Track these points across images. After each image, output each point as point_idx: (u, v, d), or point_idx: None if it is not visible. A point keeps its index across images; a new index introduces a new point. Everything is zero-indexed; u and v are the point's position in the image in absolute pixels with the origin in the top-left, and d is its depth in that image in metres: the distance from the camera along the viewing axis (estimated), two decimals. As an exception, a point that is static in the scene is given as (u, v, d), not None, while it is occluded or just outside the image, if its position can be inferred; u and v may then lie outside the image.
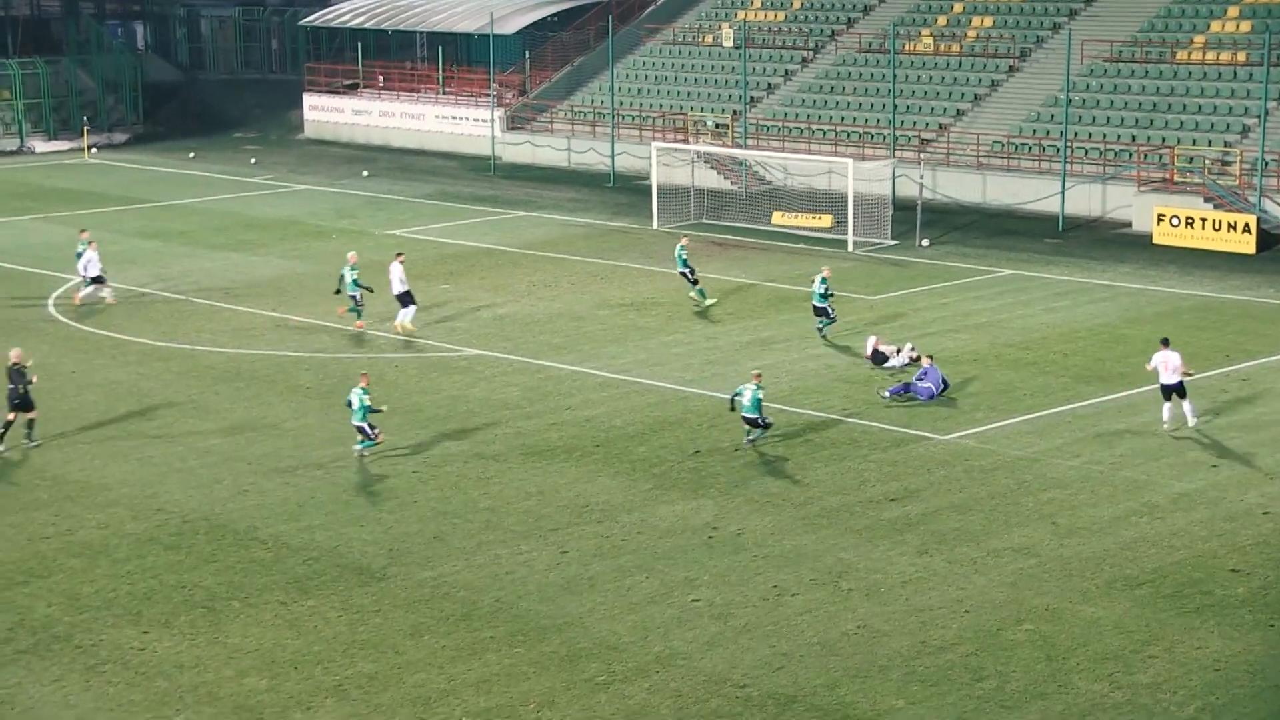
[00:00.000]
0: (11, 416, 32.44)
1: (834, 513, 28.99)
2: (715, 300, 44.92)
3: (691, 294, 44.99)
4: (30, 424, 32.96)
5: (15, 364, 32.57)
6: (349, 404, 32.15)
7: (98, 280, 45.48)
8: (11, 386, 32.36)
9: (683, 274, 45.40)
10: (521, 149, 74.50)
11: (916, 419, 34.26)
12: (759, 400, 32.25)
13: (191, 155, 78.58)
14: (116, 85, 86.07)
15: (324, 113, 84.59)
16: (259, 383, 38.13)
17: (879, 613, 24.65)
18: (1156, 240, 53.68)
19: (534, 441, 33.36)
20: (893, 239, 54.39)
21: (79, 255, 46.07)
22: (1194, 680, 22.30)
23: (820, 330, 40.95)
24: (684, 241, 46.25)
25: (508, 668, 23.02)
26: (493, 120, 74.38)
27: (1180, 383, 32.47)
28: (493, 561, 26.94)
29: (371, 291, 42.83)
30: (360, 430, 32.02)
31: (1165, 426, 32.74)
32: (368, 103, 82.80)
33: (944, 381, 35.46)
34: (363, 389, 32.03)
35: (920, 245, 53.66)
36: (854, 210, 53.99)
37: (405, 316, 42.19)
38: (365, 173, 71.88)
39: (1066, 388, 36.62)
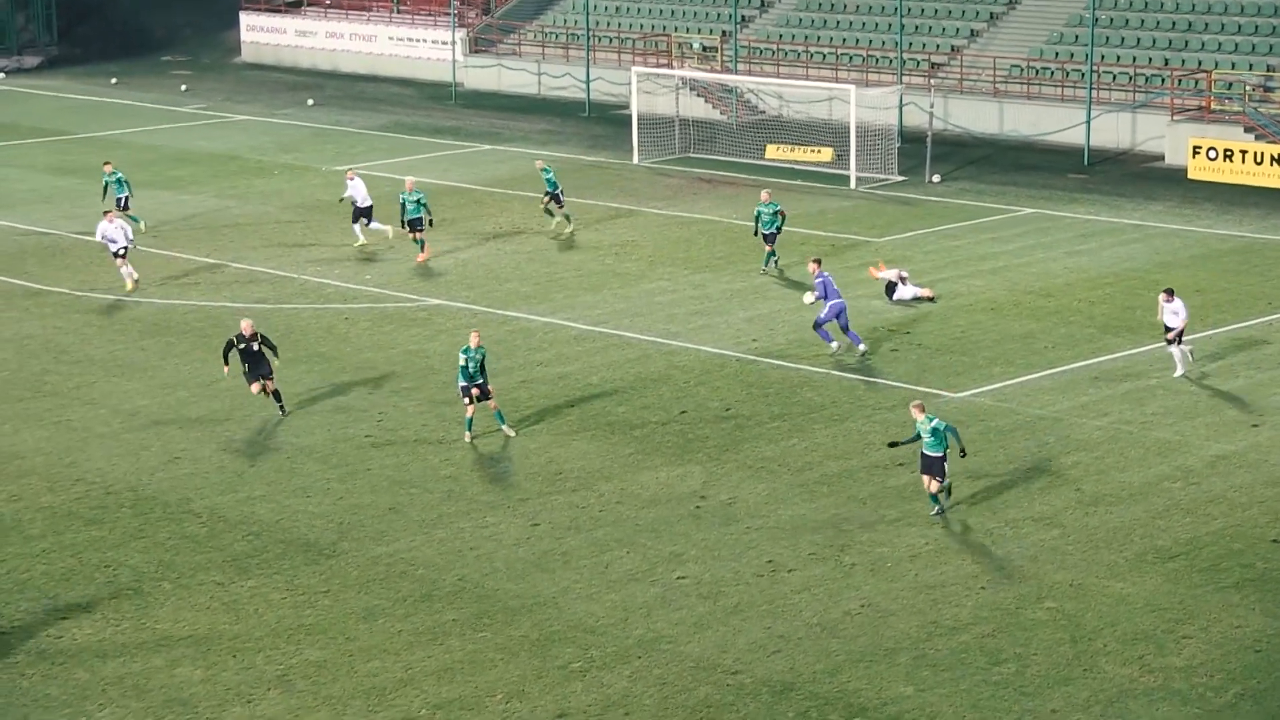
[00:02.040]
0: None
1: (835, 479, 28.99)
2: (573, 227, 46.11)
3: (557, 218, 46.24)
4: None
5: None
6: (466, 369, 30.70)
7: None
8: None
9: (553, 196, 46.08)
10: (486, 74, 74.13)
11: (927, 374, 34.27)
12: (942, 433, 26.91)
13: (114, 81, 78.09)
14: (26, 1, 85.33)
15: (263, 33, 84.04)
16: (191, 337, 37.98)
17: (885, 590, 24.67)
18: (1192, 175, 53.66)
19: (502, 402, 33.24)
20: (900, 174, 54.30)
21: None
22: (1233, 663, 22.37)
23: (772, 262, 42.34)
24: (541, 164, 46.95)
25: (472, 654, 22.99)
26: (454, 42, 73.99)
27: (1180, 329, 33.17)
28: (455, 536, 26.90)
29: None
30: (480, 391, 30.63)
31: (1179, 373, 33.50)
32: (313, 22, 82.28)
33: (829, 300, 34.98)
34: (477, 348, 30.80)
35: (930, 181, 53.58)
36: (857, 143, 53.87)
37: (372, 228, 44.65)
38: (310, 101, 71.52)
39: (1092, 339, 36.63)
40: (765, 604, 24.30)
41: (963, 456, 27.49)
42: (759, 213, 42.37)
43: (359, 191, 45.31)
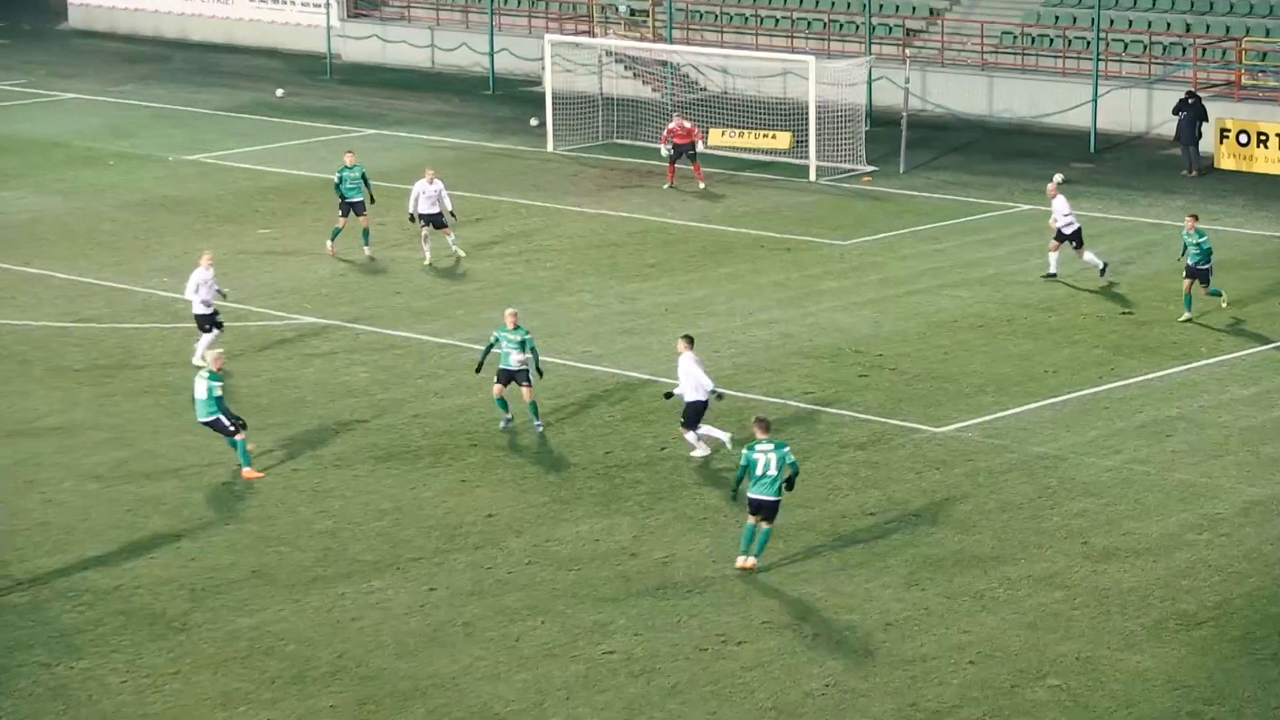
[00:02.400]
0: None
1: (793, 532, 29.08)
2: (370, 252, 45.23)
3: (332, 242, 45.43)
4: None
5: None
6: (509, 354, 32.15)
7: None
8: None
9: (352, 205, 45.10)
10: (368, 45, 74.07)
11: (903, 404, 34.48)
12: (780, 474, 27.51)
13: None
14: None
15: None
16: (9, 363, 37.77)
17: (854, 666, 24.77)
18: (1219, 164, 54.26)
19: (389, 440, 33.24)
20: (870, 163, 54.63)
21: None
22: (1272, 750, 22.64)
23: None
24: (348, 158, 45.83)
25: (354, 747, 23.01)
26: (327, 5, 73.90)
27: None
28: (333, 604, 26.83)
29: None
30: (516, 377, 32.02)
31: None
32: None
33: None
34: (514, 328, 32.68)
35: (903, 171, 53.94)
36: (817, 126, 54.17)
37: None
38: (280, 92, 71.00)
39: (1102, 361, 36.96)
40: (709, 684, 24.34)
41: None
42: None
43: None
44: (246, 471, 31.57)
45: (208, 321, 36.78)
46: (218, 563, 28.25)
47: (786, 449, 27.44)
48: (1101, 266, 42.16)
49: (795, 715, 23.51)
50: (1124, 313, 39.99)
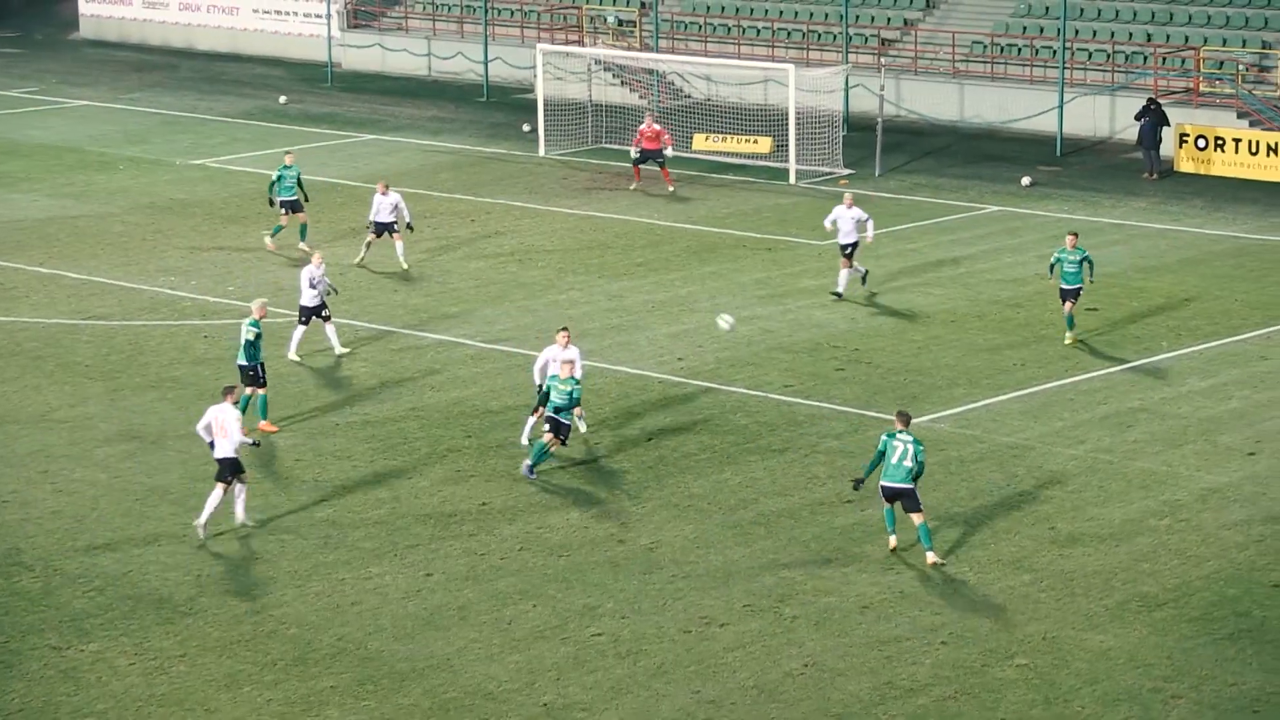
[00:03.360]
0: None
1: (773, 519, 29.06)
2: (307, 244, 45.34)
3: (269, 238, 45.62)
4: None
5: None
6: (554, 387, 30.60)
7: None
8: None
9: (289, 204, 45.27)
10: (368, 53, 73.95)
11: (878, 397, 34.46)
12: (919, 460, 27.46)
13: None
14: None
15: (106, 5, 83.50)
16: (22, 359, 37.67)
17: (832, 647, 24.75)
18: (1179, 167, 54.28)
19: (387, 433, 33.19)
20: (847, 167, 54.61)
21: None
22: (1230, 726, 22.63)
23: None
24: (289, 158, 46.19)
25: (354, 726, 22.91)
26: (329, 16, 73.78)
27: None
28: (333, 589, 26.78)
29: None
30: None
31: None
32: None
33: None
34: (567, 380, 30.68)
35: (878, 174, 53.93)
36: (797, 131, 54.15)
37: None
38: (283, 99, 70.74)
39: (1067, 356, 36.95)
40: (693, 664, 24.31)
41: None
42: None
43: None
44: (264, 425, 32.64)
45: (312, 313, 37.11)
46: (223, 550, 28.20)
47: (922, 446, 27.27)
48: (863, 274, 41.06)
49: (775, 694, 23.48)
50: (1088, 309, 39.96)
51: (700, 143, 57.59)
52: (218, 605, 26.26)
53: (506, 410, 34.06)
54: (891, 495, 27.30)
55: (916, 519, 27.21)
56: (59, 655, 24.79)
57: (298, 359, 37.00)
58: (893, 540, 27.51)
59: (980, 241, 46.44)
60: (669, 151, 52.61)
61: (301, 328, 37.15)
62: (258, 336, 33.01)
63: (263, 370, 33.16)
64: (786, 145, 54.42)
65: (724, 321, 35.46)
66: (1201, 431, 32.50)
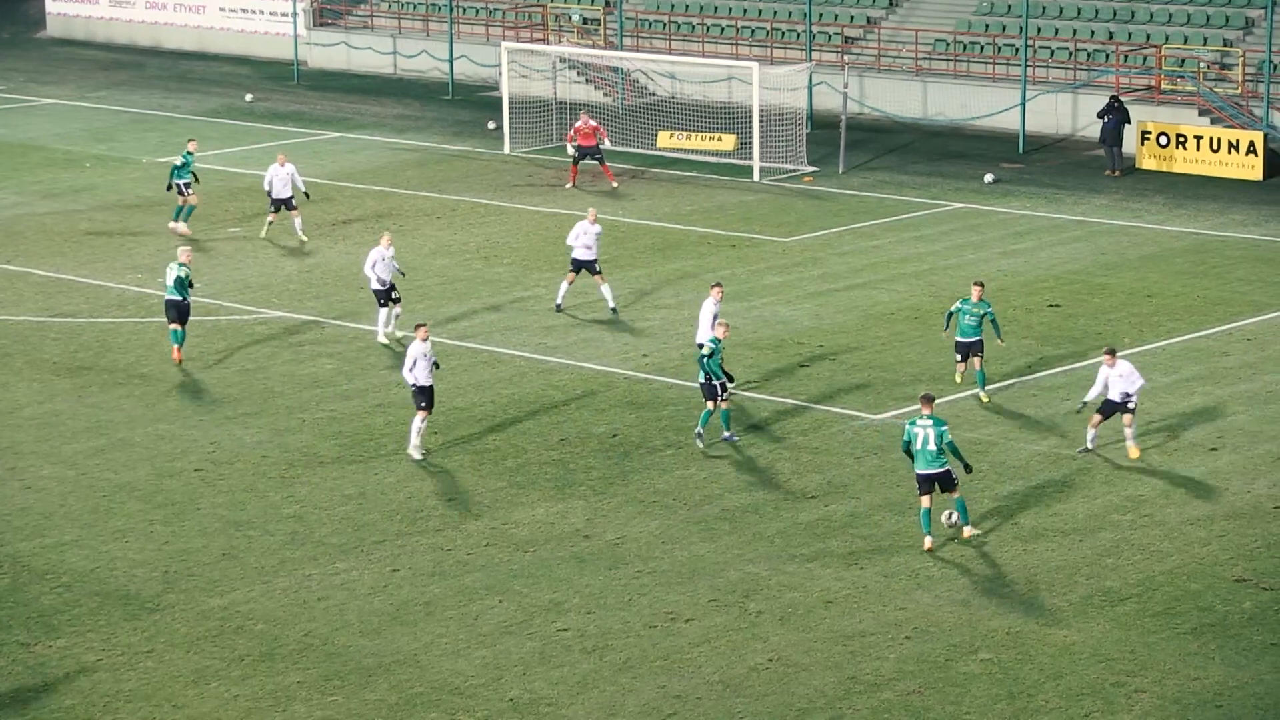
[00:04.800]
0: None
1: (738, 515, 29.05)
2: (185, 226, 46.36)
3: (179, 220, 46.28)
4: None
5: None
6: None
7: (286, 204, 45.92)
8: None
9: (179, 186, 46.60)
10: (333, 51, 73.78)
11: (842, 393, 34.47)
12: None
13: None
14: None
15: (73, 3, 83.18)
16: (-9, 357, 37.55)
17: (796, 642, 24.75)
18: (1141, 164, 54.42)
19: (353, 429, 33.11)
20: (810, 164, 54.64)
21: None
22: (1191, 718, 22.62)
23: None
24: (191, 146, 47.89)
25: (321, 722, 22.85)
26: (295, 14, 73.59)
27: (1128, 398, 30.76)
28: (300, 585, 26.70)
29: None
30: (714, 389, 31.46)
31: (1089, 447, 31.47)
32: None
33: None
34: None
35: (842, 171, 53.97)
36: (761, 129, 54.15)
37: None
38: (249, 97, 70.44)
39: (1030, 351, 37.01)
40: (659, 659, 24.29)
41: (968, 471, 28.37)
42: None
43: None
44: (177, 352, 36.42)
45: (384, 296, 37.67)
46: (190, 546, 28.10)
47: (944, 426, 27.45)
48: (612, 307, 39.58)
49: (741, 688, 23.47)
50: (1051, 305, 40.06)
51: (664, 140, 57.56)
52: (185, 601, 26.17)
53: (472, 407, 33.99)
54: (926, 483, 27.34)
55: (954, 495, 27.50)
56: (27, 651, 24.68)
57: (386, 341, 37.60)
58: (928, 541, 27.41)
59: (943, 238, 46.50)
60: (606, 143, 52.44)
61: (383, 310, 37.82)
62: (187, 275, 36.65)
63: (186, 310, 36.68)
64: (750, 143, 54.41)
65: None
66: (1164, 427, 32.57)
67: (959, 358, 34.20)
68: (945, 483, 27.52)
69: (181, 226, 46.62)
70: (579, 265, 39.37)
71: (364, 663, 24.27)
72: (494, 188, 52.76)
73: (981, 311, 33.80)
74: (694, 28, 66.40)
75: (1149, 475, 30.32)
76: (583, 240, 39.33)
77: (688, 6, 67.62)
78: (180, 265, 36.77)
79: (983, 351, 33.98)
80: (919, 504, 27.57)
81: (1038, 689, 23.33)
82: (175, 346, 36.68)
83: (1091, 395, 31.01)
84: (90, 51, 79.54)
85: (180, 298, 36.53)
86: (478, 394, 34.64)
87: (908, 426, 27.62)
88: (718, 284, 34.40)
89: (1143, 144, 54.36)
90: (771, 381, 35.30)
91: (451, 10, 69.41)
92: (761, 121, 54.28)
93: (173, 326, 36.62)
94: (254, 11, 77.65)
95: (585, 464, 31.22)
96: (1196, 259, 44.33)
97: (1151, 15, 59.83)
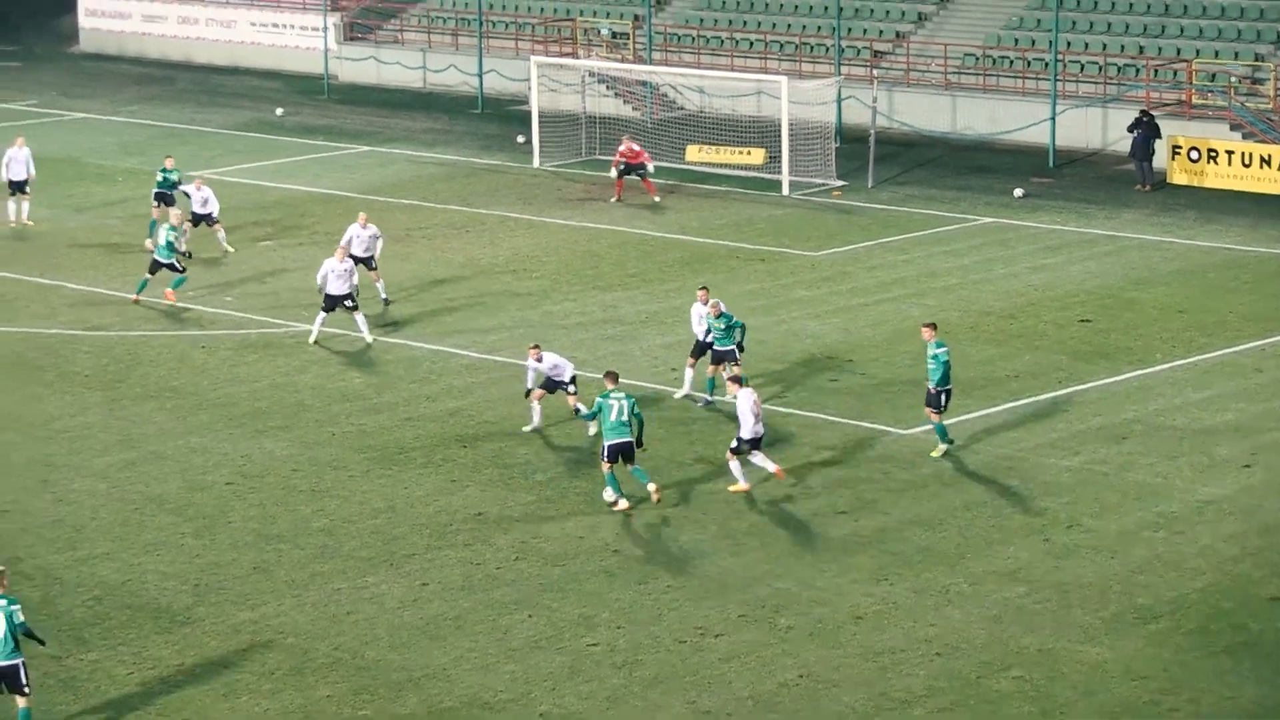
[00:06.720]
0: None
1: (768, 530, 28.96)
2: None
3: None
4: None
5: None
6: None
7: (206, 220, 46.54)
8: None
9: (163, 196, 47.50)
10: (363, 66, 73.86)
11: (871, 408, 34.36)
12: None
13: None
14: None
15: (105, 19, 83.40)
16: (22, 369, 37.57)
17: (826, 658, 24.65)
18: (1172, 179, 54.22)
19: (382, 442, 33.08)
20: (839, 179, 54.55)
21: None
22: (1225, 737, 22.55)
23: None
24: (169, 162, 48.68)
25: (350, 736, 22.83)
26: (325, 29, 73.71)
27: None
28: (330, 599, 26.67)
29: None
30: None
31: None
32: (162, 5, 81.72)
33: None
34: (719, 316, 33.84)
35: (871, 186, 53.87)
36: (790, 142, 54.06)
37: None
38: (280, 111, 70.67)
39: (1060, 367, 36.87)
40: (688, 675, 24.21)
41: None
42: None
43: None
44: (170, 294, 41.30)
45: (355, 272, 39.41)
46: (220, 559, 28.10)
47: (634, 400, 29.91)
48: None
49: (770, 704, 23.39)
50: (1082, 320, 39.91)
51: (693, 154, 57.51)
52: (215, 615, 26.15)
53: (501, 420, 33.95)
54: (615, 451, 29.45)
55: (633, 466, 29.81)
56: (58, 664, 24.67)
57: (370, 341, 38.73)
58: (624, 503, 29.57)
59: (973, 253, 46.36)
60: (650, 167, 52.41)
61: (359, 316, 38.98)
62: (177, 239, 41.58)
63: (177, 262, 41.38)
64: (779, 157, 54.33)
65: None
66: (1197, 444, 32.39)
67: (931, 412, 31.82)
68: (628, 454, 29.56)
69: (149, 243, 46.52)
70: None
71: (393, 677, 24.23)
72: (523, 201, 52.75)
73: (936, 352, 31.59)
74: (723, 42, 66.37)
75: (1181, 492, 30.17)
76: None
77: (716, 21, 67.59)
78: (170, 228, 41.54)
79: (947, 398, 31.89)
80: (602, 470, 29.64)
81: (1070, 707, 23.19)
82: (137, 295, 41.54)
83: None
84: (122, 66, 79.75)
85: (165, 260, 41.14)
86: (507, 407, 34.59)
87: (600, 399, 29.64)
88: (704, 287, 35.43)
89: (1174, 159, 54.17)
90: (800, 396, 35.20)
91: (481, 25, 69.46)
92: (790, 135, 54.19)
93: (145, 277, 41.32)
94: (285, 27, 77.80)
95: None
96: (1228, 274, 44.13)
97: (1182, 29, 59.66)
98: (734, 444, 30.44)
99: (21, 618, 22.56)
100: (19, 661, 22.54)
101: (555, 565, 27.73)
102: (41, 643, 23.19)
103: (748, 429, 30.10)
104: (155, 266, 41.58)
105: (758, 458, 30.34)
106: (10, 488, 31.07)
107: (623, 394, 29.79)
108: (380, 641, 25.25)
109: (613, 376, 30.35)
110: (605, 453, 29.66)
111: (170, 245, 41.39)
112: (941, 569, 27.31)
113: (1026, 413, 34.08)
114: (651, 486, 29.79)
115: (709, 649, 24.89)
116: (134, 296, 41.78)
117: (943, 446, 31.78)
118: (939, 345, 31.74)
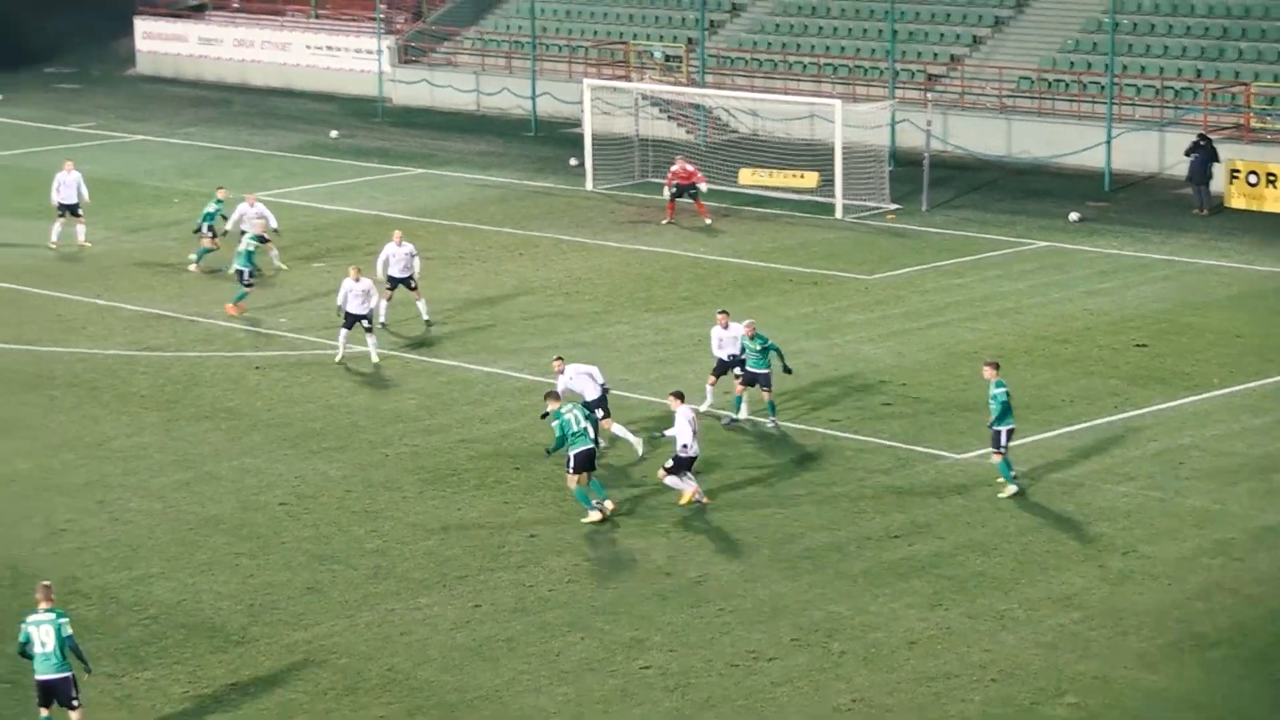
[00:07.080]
0: None
1: (821, 553, 28.91)
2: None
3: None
4: None
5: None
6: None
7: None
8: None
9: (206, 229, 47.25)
10: (417, 89, 74.13)
11: (925, 432, 34.28)
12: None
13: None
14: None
15: (162, 41, 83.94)
16: (79, 390, 37.77)
17: (880, 682, 24.58)
18: (1230, 203, 53.97)
19: (436, 464, 33.15)
20: (893, 202, 54.48)
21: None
22: (1283, 766, 22.40)
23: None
24: (221, 194, 48.50)
25: (403, 757, 22.89)
26: (380, 52, 74.02)
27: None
28: (383, 619, 26.72)
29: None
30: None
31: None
32: (219, 29, 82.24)
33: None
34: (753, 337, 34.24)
35: (925, 209, 53.79)
36: (843, 166, 54.03)
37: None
38: (334, 133, 71.03)
39: (1116, 391, 36.72)
40: (741, 698, 24.17)
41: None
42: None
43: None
44: (230, 307, 42.66)
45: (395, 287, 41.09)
46: (274, 580, 28.19)
47: (584, 407, 30.56)
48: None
49: (824, 729, 23.33)
50: (1138, 345, 39.73)
51: (746, 177, 57.52)
52: (270, 635, 26.23)
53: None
54: (580, 460, 29.68)
55: (589, 478, 30.22)
56: (114, 683, 24.80)
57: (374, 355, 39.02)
58: (595, 514, 29.96)
59: (1027, 277, 46.22)
60: (704, 187, 52.44)
61: (384, 303, 40.55)
62: (256, 248, 43.04)
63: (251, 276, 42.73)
64: (833, 180, 54.29)
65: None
66: (1255, 470, 32.19)
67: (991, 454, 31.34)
68: (592, 462, 29.91)
69: (194, 268, 47.03)
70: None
71: (446, 698, 24.26)
72: (576, 224, 52.83)
73: (995, 390, 31.06)
74: (776, 65, 66.39)
75: (1239, 519, 29.99)
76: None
77: (770, 44, 67.62)
78: (252, 238, 43.01)
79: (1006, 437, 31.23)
80: (569, 485, 30.09)
81: (1125, 733, 23.09)
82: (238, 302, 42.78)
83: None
84: (179, 89, 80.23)
85: (243, 267, 42.36)
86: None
87: (555, 418, 29.96)
88: (724, 311, 35.49)
89: (1231, 182, 53.92)
90: (854, 420, 35.14)
91: (534, 48, 69.66)
92: (844, 159, 54.13)
93: (241, 290, 42.42)
94: (339, 50, 78.17)
95: (667, 501, 31.13)
96: (1285, 299, 43.92)
97: (1240, 52, 59.42)
98: (669, 463, 30.56)
99: (69, 631, 22.70)
100: (69, 675, 22.67)
101: (608, 587, 27.73)
102: (87, 667, 23.19)
103: (689, 447, 30.37)
104: (240, 275, 42.64)
105: (687, 479, 30.67)
106: (68, 507, 31.25)
107: (569, 404, 30.23)
108: (433, 663, 25.30)
109: (554, 396, 30.87)
110: (571, 463, 29.88)
111: (250, 255, 42.49)
112: (996, 594, 27.21)
113: (1082, 438, 33.95)
114: (608, 504, 30.19)
115: (761, 673, 24.85)
116: (229, 307, 42.91)
117: (1011, 488, 31.02)
118: (998, 385, 31.17)
